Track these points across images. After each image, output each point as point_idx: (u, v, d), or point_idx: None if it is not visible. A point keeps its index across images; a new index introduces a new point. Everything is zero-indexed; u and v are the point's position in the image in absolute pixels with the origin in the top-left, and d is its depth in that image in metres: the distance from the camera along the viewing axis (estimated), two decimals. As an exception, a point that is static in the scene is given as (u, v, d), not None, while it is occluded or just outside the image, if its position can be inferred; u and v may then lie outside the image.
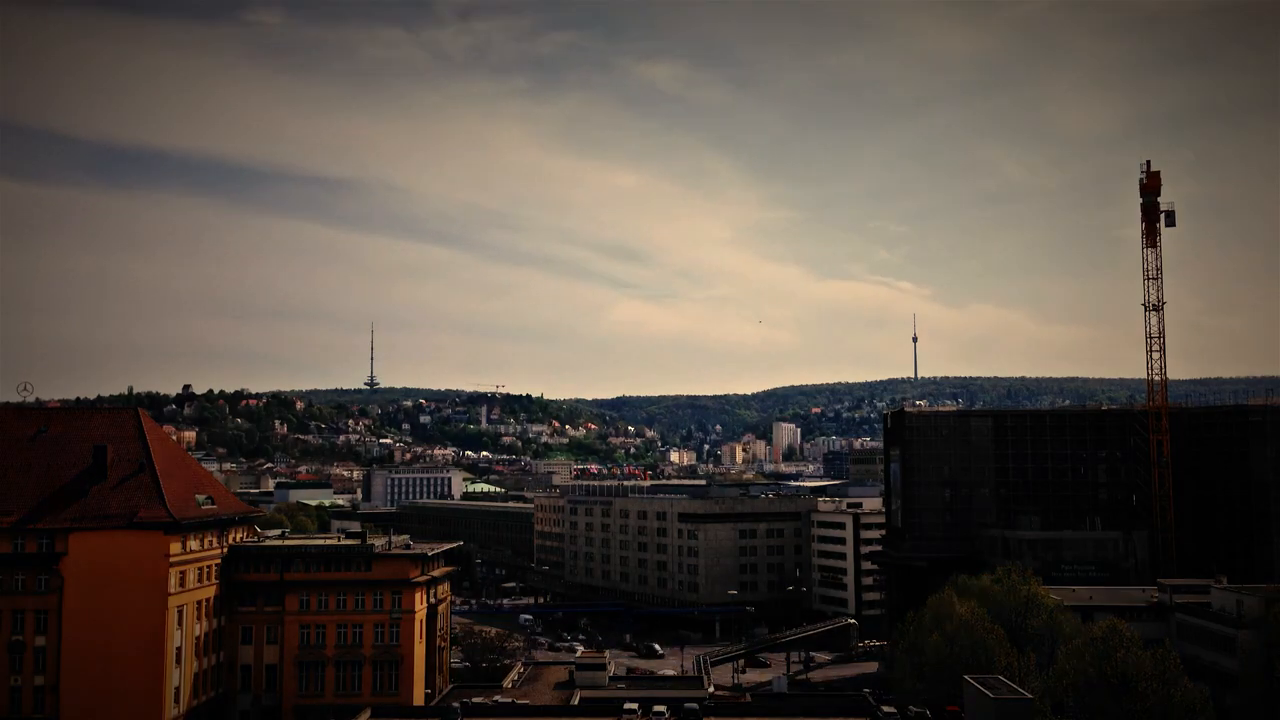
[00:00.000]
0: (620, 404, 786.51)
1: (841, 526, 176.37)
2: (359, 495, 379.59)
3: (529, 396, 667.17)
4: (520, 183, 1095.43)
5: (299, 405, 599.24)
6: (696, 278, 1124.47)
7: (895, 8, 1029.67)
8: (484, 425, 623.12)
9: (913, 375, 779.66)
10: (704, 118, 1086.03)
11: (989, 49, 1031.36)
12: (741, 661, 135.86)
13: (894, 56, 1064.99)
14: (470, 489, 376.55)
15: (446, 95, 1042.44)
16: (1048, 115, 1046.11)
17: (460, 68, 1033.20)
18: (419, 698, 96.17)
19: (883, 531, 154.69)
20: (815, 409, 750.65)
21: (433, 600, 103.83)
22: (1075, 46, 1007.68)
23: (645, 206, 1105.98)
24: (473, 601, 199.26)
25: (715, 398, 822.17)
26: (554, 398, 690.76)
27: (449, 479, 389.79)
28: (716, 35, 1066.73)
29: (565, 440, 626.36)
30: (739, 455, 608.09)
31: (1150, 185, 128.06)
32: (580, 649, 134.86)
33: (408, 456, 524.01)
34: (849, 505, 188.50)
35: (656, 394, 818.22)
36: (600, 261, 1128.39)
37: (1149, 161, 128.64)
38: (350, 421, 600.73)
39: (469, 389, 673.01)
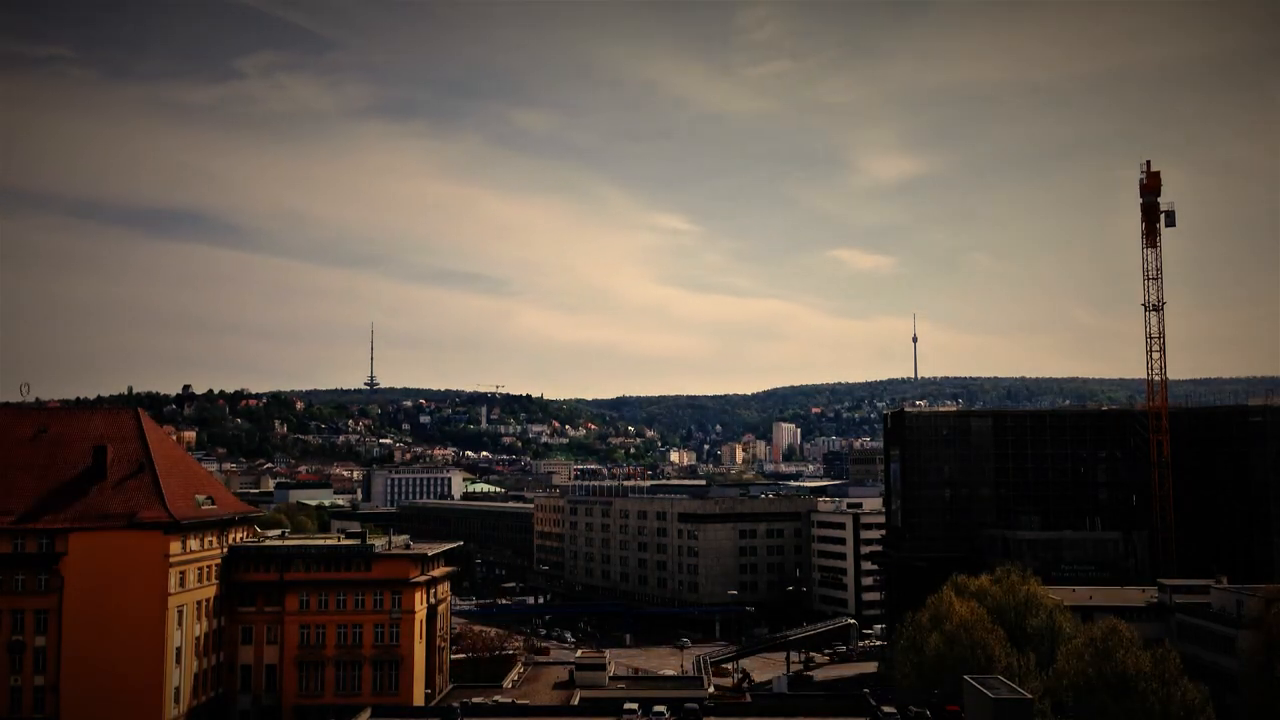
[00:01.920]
0: (620, 404, 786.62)
1: (841, 526, 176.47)
2: (359, 495, 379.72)
3: (529, 397, 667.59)
4: (429, 213, 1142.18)
5: (299, 405, 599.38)
6: (600, 292, 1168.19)
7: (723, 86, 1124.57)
8: (484, 425, 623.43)
9: (913, 375, 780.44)
10: (585, 156, 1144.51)
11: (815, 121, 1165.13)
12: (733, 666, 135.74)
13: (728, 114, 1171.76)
14: (470, 489, 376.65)
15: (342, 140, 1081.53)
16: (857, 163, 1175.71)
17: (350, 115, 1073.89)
18: (419, 698, 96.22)
19: (883, 531, 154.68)
20: (815, 409, 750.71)
21: (433, 600, 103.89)
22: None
23: (551, 231, 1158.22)
24: (474, 599, 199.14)
25: (715, 398, 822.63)
26: (554, 398, 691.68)
27: (449, 479, 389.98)
28: (570, 97, 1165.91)
29: (565, 440, 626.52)
30: (739, 455, 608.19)
31: (1150, 185, 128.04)
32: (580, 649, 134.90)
33: (408, 456, 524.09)
34: (849, 505, 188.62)
35: (656, 394, 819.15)
36: (517, 275, 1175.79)
37: (1149, 162, 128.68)
38: (350, 421, 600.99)
39: (469, 389, 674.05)
